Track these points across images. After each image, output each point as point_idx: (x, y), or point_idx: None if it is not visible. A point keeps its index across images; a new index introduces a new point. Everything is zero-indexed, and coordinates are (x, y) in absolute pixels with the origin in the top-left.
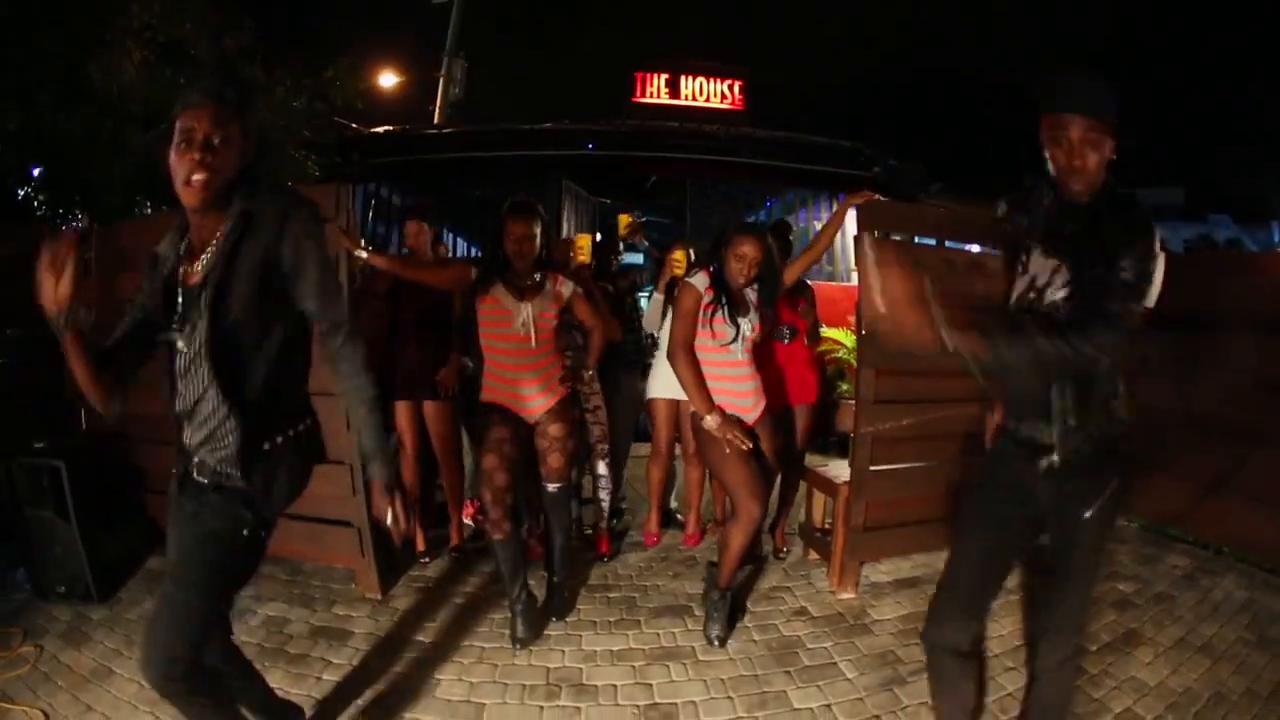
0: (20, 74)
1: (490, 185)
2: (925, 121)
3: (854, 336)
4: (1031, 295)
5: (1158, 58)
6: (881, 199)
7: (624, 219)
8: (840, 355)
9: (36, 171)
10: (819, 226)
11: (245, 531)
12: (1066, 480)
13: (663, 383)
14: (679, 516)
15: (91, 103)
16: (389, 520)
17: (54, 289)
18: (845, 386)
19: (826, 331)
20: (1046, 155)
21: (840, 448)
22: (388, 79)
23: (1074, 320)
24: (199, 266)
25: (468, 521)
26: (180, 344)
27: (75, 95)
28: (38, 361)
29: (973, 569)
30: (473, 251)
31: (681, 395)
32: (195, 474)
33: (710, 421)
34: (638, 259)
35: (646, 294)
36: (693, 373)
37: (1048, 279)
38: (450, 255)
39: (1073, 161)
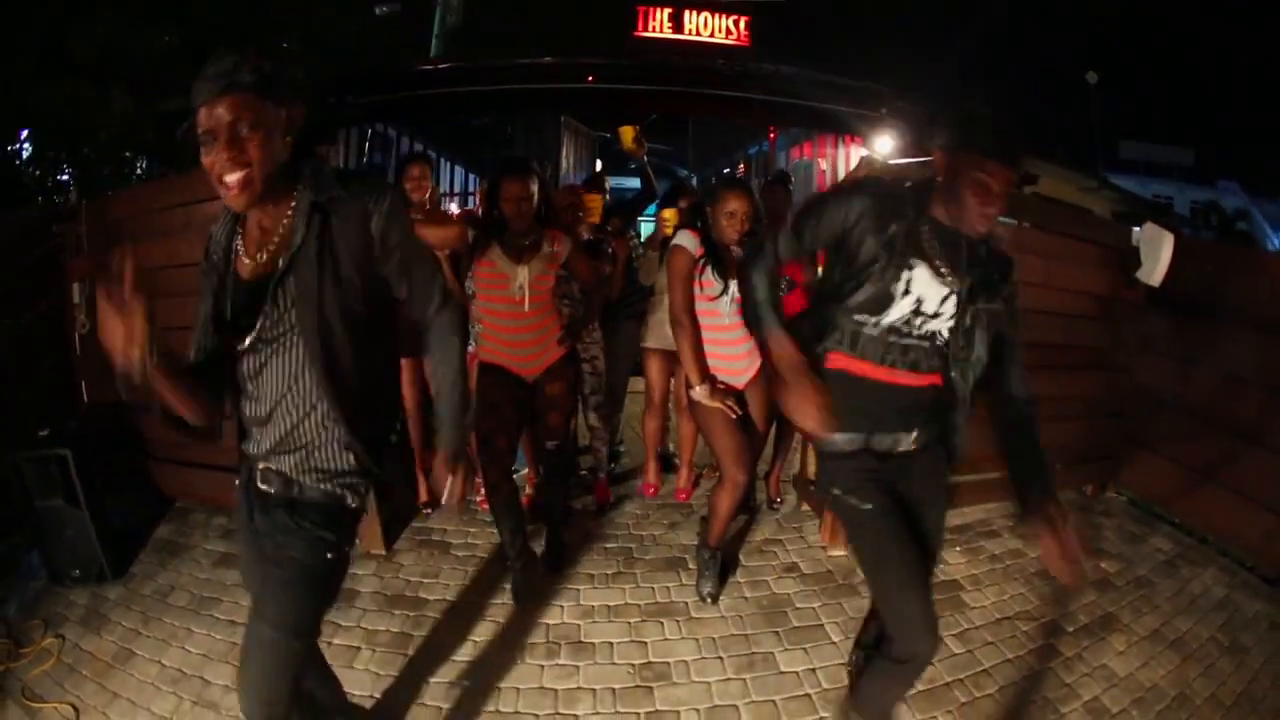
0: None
1: (489, 118)
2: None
3: None
4: (918, 320)
5: (1180, 11)
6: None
7: (628, 131)
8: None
9: (25, 145)
10: (823, 164)
11: (330, 555)
12: (924, 461)
13: (657, 334)
14: (676, 461)
15: (74, 69)
16: (445, 494)
17: (125, 334)
18: None
19: None
20: (954, 189)
21: None
22: (382, 6)
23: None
24: (263, 257)
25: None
26: (249, 342)
27: (58, 62)
28: (30, 342)
29: (909, 580)
30: (471, 181)
31: (675, 346)
32: (260, 482)
33: (700, 392)
34: (634, 182)
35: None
36: (691, 340)
37: (938, 307)
38: (447, 192)
39: (988, 209)
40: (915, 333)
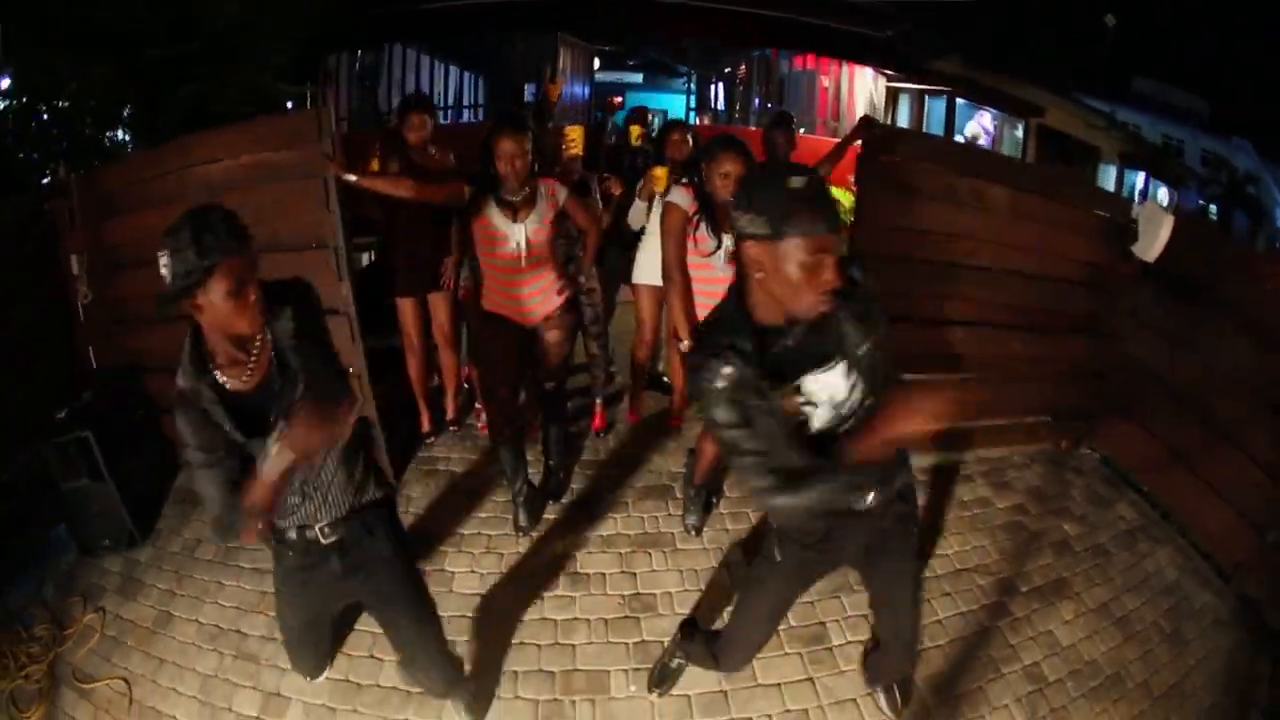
0: None
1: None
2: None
3: (852, 197)
4: (840, 415)
5: None
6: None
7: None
8: (839, 215)
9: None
10: (826, 83)
11: (400, 545)
12: (885, 520)
13: (647, 269)
14: (665, 379)
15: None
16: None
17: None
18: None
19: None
20: (784, 281)
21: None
22: None
23: None
24: (246, 376)
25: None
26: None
27: (40, 29)
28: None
29: (761, 626)
30: (466, 80)
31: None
32: (323, 539)
33: (687, 345)
34: (636, 77)
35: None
36: (682, 295)
37: (847, 387)
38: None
39: (830, 283)
40: (846, 415)
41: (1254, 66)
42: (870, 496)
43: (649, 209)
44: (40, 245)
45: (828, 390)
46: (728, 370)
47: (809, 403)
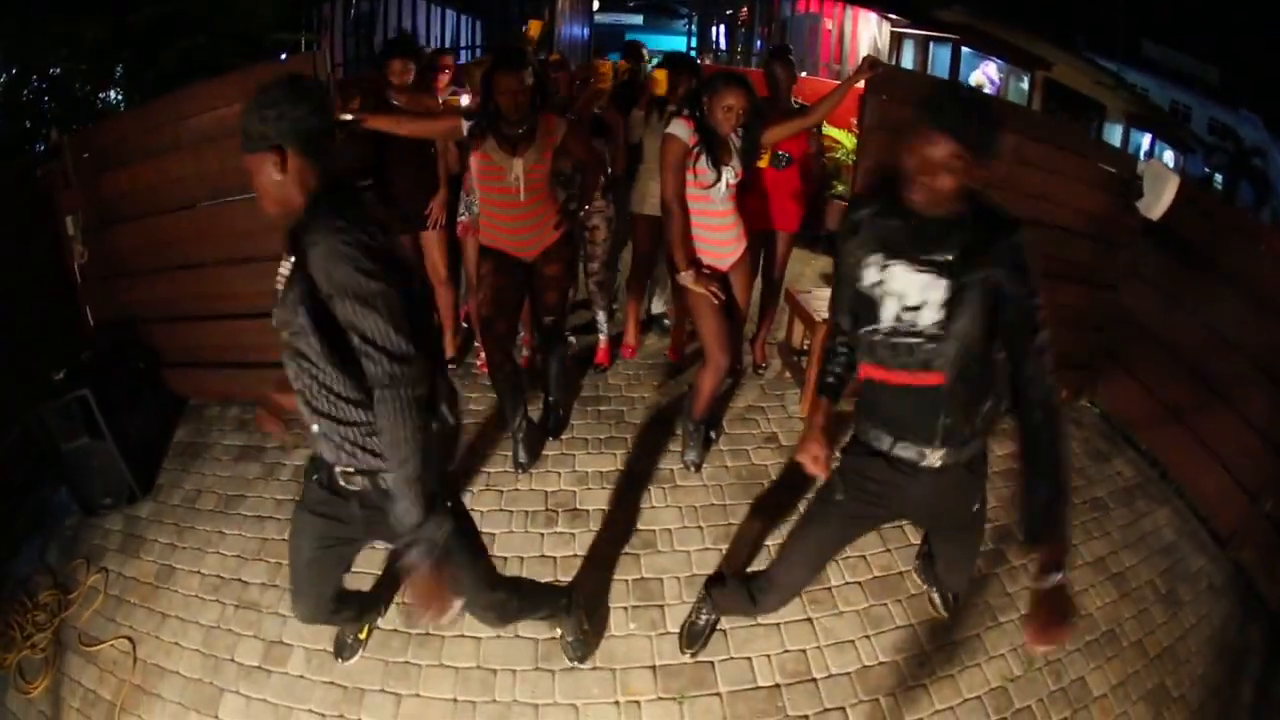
0: None
1: None
2: None
3: (854, 138)
4: (908, 316)
5: None
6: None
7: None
8: (838, 155)
9: None
10: (829, 25)
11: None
12: (946, 486)
13: (647, 200)
14: (666, 322)
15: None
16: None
17: None
18: (841, 187)
19: (827, 129)
20: (906, 167)
21: (828, 245)
22: None
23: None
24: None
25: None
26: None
27: None
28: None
29: (809, 565)
30: (463, 23)
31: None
32: (344, 484)
33: (686, 277)
34: (636, 19)
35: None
36: (680, 226)
37: (921, 298)
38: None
39: (932, 180)
40: (912, 330)
41: (1265, 40)
42: (935, 455)
43: (647, 117)
44: (33, 209)
45: (902, 286)
46: (857, 215)
47: (885, 291)
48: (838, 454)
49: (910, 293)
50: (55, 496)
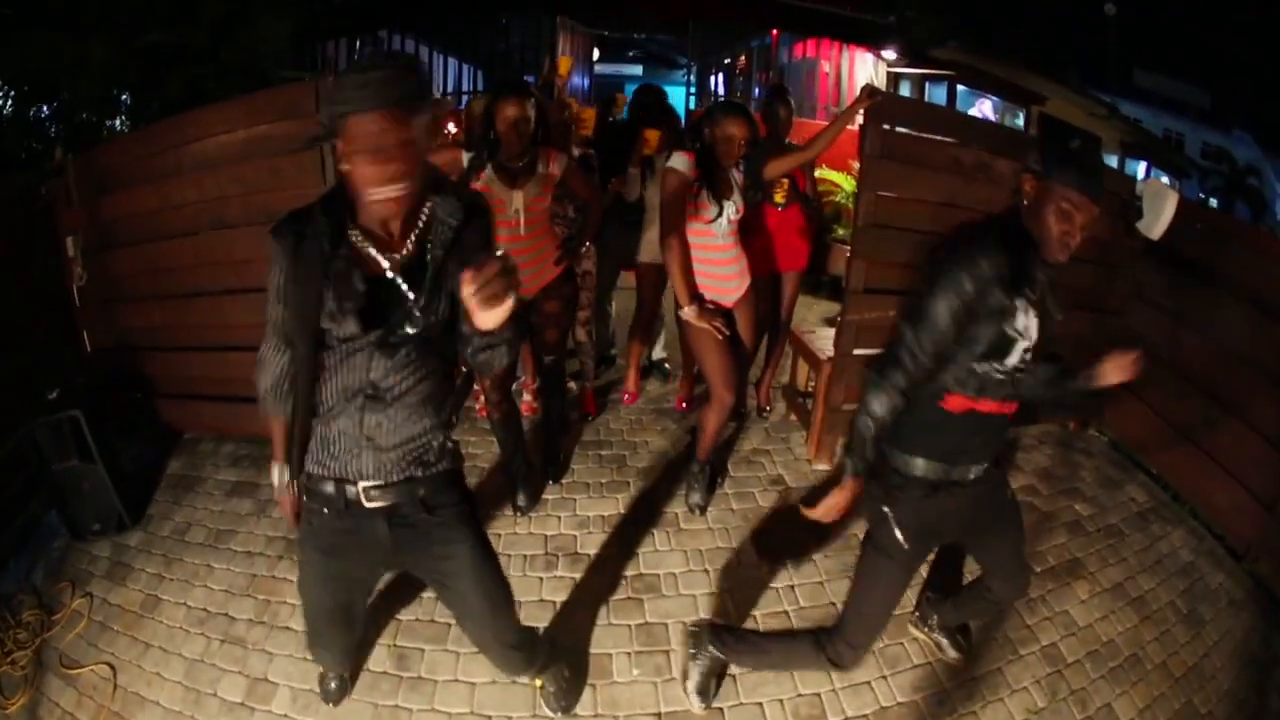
0: None
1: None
2: None
3: (853, 181)
4: (1029, 356)
5: None
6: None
7: (564, 60)
8: (838, 199)
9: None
10: (826, 67)
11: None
12: (986, 488)
13: (650, 249)
14: (667, 366)
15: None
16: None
17: None
18: (842, 230)
19: (826, 173)
20: (1038, 215)
21: (831, 289)
22: None
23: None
24: (392, 255)
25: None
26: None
27: (34, 14)
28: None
29: (887, 616)
30: (465, 72)
31: None
32: (365, 502)
33: (689, 312)
34: (636, 69)
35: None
36: (680, 260)
37: (1035, 337)
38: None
39: (1069, 238)
40: (1021, 366)
41: (1254, 59)
42: (981, 469)
43: (642, 176)
44: (35, 227)
45: (1031, 328)
46: (987, 263)
47: (1027, 328)
48: (885, 509)
49: (1032, 332)
50: (45, 518)
